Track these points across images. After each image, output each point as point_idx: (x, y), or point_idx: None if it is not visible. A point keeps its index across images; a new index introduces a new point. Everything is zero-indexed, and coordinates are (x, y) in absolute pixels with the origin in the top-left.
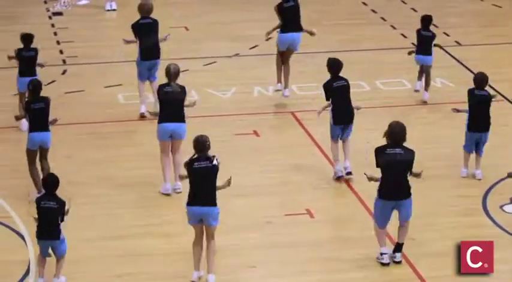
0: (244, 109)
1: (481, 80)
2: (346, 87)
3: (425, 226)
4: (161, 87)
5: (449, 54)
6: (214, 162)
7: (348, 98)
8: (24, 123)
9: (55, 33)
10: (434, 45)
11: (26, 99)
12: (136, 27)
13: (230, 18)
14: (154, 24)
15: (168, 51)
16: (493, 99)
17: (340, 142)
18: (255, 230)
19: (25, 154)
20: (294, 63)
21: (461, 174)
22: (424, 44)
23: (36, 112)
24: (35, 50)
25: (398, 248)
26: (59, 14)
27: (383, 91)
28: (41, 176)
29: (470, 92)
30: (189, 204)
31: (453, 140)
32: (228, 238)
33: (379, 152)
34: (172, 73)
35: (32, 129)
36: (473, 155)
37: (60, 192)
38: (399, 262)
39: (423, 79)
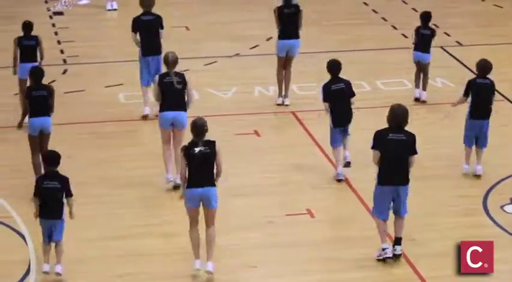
0: (244, 109)
1: (484, 67)
2: (344, 90)
3: (426, 226)
4: (161, 77)
5: (450, 54)
6: (206, 149)
7: (346, 100)
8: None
9: (56, 33)
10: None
11: (27, 86)
12: (137, 23)
13: (230, 18)
14: (156, 20)
15: (169, 49)
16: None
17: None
18: (256, 229)
19: (25, 154)
20: (294, 63)
21: (463, 171)
22: (423, 42)
23: (37, 99)
24: (36, 39)
25: (397, 241)
26: (60, 13)
27: (383, 91)
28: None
29: (472, 81)
30: (187, 187)
31: (453, 140)
32: (228, 238)
33: (380, 136)
34: (171, 61)
35: (31, 114)
36: (473, 151)
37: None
38: (400, 255)
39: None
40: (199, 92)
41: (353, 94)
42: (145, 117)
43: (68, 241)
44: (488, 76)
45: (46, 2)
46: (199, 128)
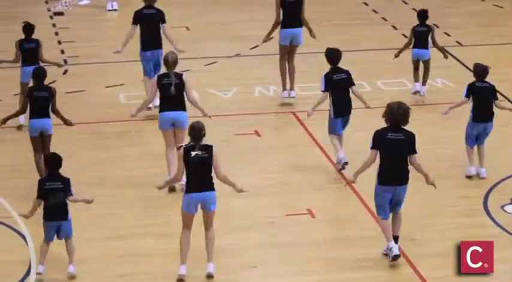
0: (245, 109)
1: (481, 71)
2: (345, 80)
3: (426, 226)
4: (159, 78)
5: (450, 54)
6: (203, 153)
7: (347, 90)
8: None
9: (56, 33)
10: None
11: (29, 86)
12: (139, 16)
13: (231, 18)
14: (158, 15)
15: (169, 47)
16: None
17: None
18: (256, 230)
19: (26, 154)
20: (295, 63)
21: (468, 173)
22: (420, 39)
23: (38, 100)
24: (36, 42)
25: (395, 240)
26: (60, 14)
27: (384, 91)
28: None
29: (472, 86)
30: (187, 191)
31: (454, 140)
32: (228, 238)
33: (378, 135)
34: (171, 62)
35: (31, 115)
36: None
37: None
38: (398, 255)
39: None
40: (200, 92)
41: (353, 83)
42: (149, 109)
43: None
44: (487, 80)
45: (46, 2)
46: (197, 131)
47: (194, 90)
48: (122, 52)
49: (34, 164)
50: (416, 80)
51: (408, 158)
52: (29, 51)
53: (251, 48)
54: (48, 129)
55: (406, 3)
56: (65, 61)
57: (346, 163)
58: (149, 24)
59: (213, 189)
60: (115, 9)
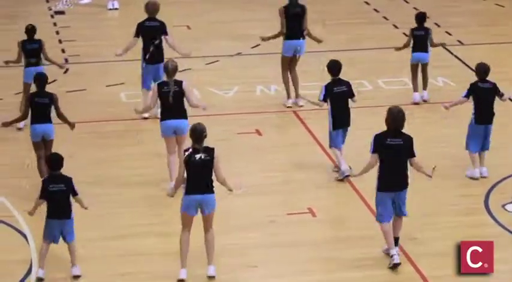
0: (246, 108)
1: (483, 70)
2: (345, 92)
3: (427, 225)
4: (159, 86)
5: (452, 53)
6: (206, 156)
7: (346, 103)
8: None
9: (57, 32)
10: (442, 45)
11: (30, 93)
12: (141, 29)
13: (232, 17)
14: (160, 27)
15: (170, 50)
16: (502, 97)
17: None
18: (257, 229)
19: (27, 153)
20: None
21: (472, 175)
22: (420, 42)
23: (39, 106)
24: (39, 42)
25: (395, 242)
26: (61, 12)
27: (385, 90)
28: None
29: (474, 86)
30: (187, 193)
31: (455, 139)
32: (228, 237)
33: (379, 140)
34: (171, 70)
35: (33, 121)
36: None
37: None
38: (399, 264)
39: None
40: (201, 91)
41: (353, 95)
42: (145, 119)
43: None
44: (488, 78)
45: (47, 1)
46: (198, 133)
47: (195, 89)
48: (122, 55)
49: (35, 163)
50: (415, 88)
51: (408, 162)
52: (31, 51)
53: (252, 47)
54: (49, 135)
55: (407, 2)
56: (66, 60)
57: (348, 176)
58: (151, 37)
59: (212, 191)
60: (116, 8)
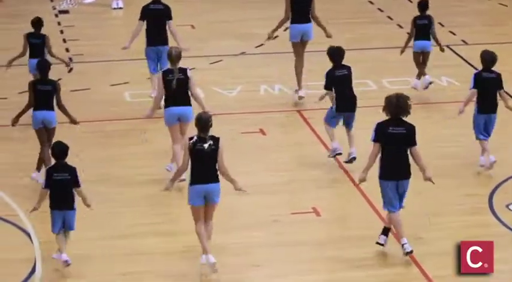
0: (250, 107)
1: (488, 59)
2: (347, 76)
3: (432, 225)
4: (164, 74)
5: (456, 53)
6: (211, 145)
7: (349, 86)
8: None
9: (61, 31)
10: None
11: (33, 80)
12: (145, 12)
13: (236, 16)
14: (164, 10)
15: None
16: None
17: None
18: (261, 228)
19: (31, 152)
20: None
21: (479, 162)
22: (423, 30)
23: (42, 93)
24: (43, 37)
25: (384, 231)
26: (65, 12)
27: (389, 90)
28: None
29: (478, 76)
30: (192, 183)
31: (459, 138)
32: (233, 236)
33: (380, 128)
34: (174, 57)
35: (34, 107)
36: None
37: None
38: (382, 244)
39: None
40: (205, 90)
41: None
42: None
43: (71, 239)
44: (494, 69)
45: (51, 0)
46: (204, 122)
47: (199, 88)
48: (128, 48)
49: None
50: (423, 73)
51: (409, 150)
52: (35, 45)
53: (256, 47)
54: (51, 122)
55: (411, 1)
56: (70, 59)
57: (339, 154)
58: (155, 20)
59: (218, 180)
60: (120, 8)
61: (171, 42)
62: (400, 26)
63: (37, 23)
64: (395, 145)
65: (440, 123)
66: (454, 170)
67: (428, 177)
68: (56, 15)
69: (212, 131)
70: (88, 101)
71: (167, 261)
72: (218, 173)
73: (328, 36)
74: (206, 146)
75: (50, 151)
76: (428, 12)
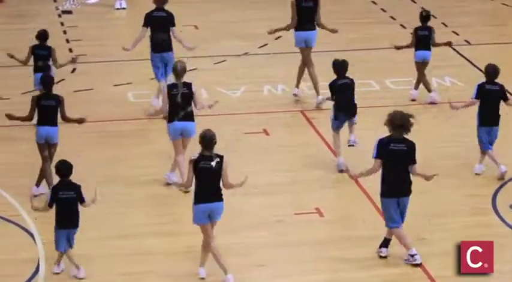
0: (253, 108)
1: (492, 72)
2: (348, 85)
3: (435, 226)
4: (169, 89)
5: (459, 53)
6: (218, 162)
7: (350, 95)
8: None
9: (64, 32)
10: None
11: (37, 95)
12: (149, 19)
13: (239, 16)
14: (168, 17)
15: (177, 50)
16: (507, 102)
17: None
18: (264, 228)
19: (35, 152)
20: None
21: (475, 170)
22: (424, 41)
23: (45, 108)
24: (49, 49)
25: (385, 243)
26: (69, 12)
27: (392, 90)
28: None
29: (481, 87)
30: (196, 202)
31: (462, 139)
32: (236, 236)
33: (382, 145)
34: (180, 70)
35: (39, 122)
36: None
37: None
38: (385, 257)
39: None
40: (208, 91)
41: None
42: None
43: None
44: (497, 80)
45: (55, 0)
46: (208, 140)
47: (203, 89)
48: (130, 50)
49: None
50: (429, 89)
51: (410, 168)
52: (40, 57)
53: (260, 47)
54: (53, 138)
55: (414, 1)
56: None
57: (342, 170)
58: (159, 27)
59: (221, 199)
60: (123, 8)
61: (175, 48)
62: (403, 26)
63: (43, 35)
64: (396, 162)
65: (443, 123)
66: (457, 170)
67: (429, 176)
68: (59, 16)
69: (216, 132)
70: (91, 101)
71: (169, 262)
72: (222, 191)
73: (334, 31)
74: (214, 164)
75: (53, 168)
76: (433, 22)
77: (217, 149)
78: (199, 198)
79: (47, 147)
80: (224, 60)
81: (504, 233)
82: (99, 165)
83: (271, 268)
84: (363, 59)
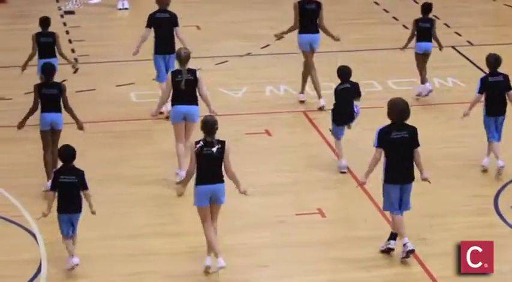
0: (255, 108)
1: (494, 62)
2: (348, 90)
3: (437, 226)
4: (173, 75)
5: (461, 54)
6: (219, 148)
7: (349, 100)
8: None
9: (67, 32)
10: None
11: (38, 83)
12: (152, 20)
13: (241, 17)
14: (171, 18)
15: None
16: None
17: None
18: (266, 229)
19: (37, 153)
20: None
21: (483, 164)
22: (425, 33)
23: (47, 97)
24: (53, 36)
25: (392, 236)
26: (71, 12)
27: (395, 91)
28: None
29: (485, 80)
30: (197, 184)
31: (464, 139)
32: (238, 237)
33: (383, 134)
34: (183, 58)
35: (42, 110)
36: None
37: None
38: (393, 249)
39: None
40: (210, 91)
41: (359, 94)
42: (161, 113)
43: (77, 239)
44: (500, 71)
45: (57, 1)
46: (210, 126)
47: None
48: (138, 52)
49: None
50: (424, 80)
51: (414, 152)
52: (45, 45)
53: (262, 48)
54: (58, 124)
55: (416, 2)
56: (76, 60)
57: (344, 172)
58: (163, 28)
59: (223, 181)
60: (126, 8)
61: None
62: (406, 27)
63: (45, 21)
64: (399, 150)
65: (446, 123)
66: (459, 170)
67: (425, 177)
68: (62, 16)
69: (218, 132)
70: (94, 101)
71: (172, 262)
72: (223, 173)
73: (336, 39)
74: (215, 150)
75: (56, 154)
76: (430, 15)
77: None
78: (200, 180)
79: (50, 134)
80: (226, 61)
81: (504, 233)
82: (102, 165)
83: (273, 268)
84: (365, 60)
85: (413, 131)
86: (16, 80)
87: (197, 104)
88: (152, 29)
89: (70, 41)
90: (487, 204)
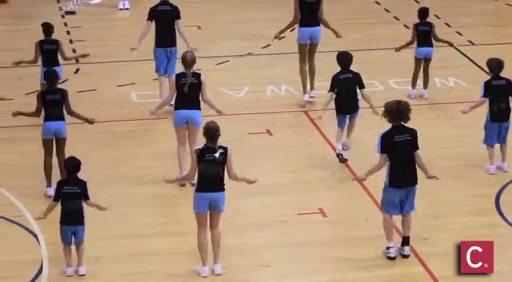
0: (257, 108)
1: (496, 65)
2: (351, 79)
3: (438, 226)
4: (177, 78)
5: (462, 53)
6: (222, 153)
7: (352, 89)
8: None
9: (68, 32)
10: (450, 45)
11: (41, 90)
12: (154, 13)
13: (242, 17)
14: (173, 11)
15: (180, 50)
16: None
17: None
18: (268, 228)
19: (39, 153)
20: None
21: (490, 171)
22: (425, 37)
23: (51, 103)
24: (57, 43)
25: (406, 241)
26: (72, 13)
27: (396, 90)
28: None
29: (488, 84)
30: (198, 191)
31: (464, 139)
32: (239, 237)
33: (386, 139)
34: (189, 61)
35: (46, 118)
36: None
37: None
38: (407, 256)
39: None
40: (212, 91)
41: (362, 86)
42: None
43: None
44: (502, 75)
45: (58, 1)
46: (212, 132)
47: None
48: (137, 49)
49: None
50: (414, 84)
51: (415, 155)
52: (49, 52)
53: (263, 47)
54: (61, 132)
55: (417, 2)
56: (77, 60)
57: (341, 154)
58: (164, 21)
59: (223, 189)
60: (127, 8)
61: (180, 42)
62: (407, 27)
63: (48, 29)
64: (403, 153)
65: (447, 123)
66: (460, 170)
67: (431, 175)
68: (63, 16)
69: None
70: (94, 101)
71: (174, 262)
72: (224, 182)
73: (339, 36)
74: (217, 155)
75: (63, 163)
76: (430, 17)
77: None
78: (200, 188)
79: (53, 143)
80: (227, 61)
81: (505, 233)
82: (103, 165)
83: (275, 268)
84: (366, 60)
85: (413, 133)
86: (17, 80)
87: (200, 109)
88: (153, 22)
89: (71, 42)
90: (487, 204)
